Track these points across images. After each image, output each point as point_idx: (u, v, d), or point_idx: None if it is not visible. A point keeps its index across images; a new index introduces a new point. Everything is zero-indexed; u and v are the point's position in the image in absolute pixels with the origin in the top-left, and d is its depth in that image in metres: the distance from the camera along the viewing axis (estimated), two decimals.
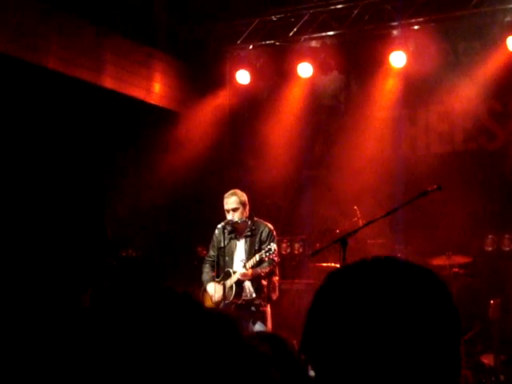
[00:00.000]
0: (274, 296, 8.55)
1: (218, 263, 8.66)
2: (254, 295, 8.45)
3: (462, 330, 1.48)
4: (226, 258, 8.53)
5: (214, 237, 8.78)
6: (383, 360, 1.37)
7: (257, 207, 9.51)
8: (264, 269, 8.37)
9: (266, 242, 8.45)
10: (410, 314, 1.40)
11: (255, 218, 8.68)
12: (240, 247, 8.62)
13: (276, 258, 8.43)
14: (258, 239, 8.52)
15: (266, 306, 8.47)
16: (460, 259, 9.97)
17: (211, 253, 8.83)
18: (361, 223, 8.89)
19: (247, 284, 8.48)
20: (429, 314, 1.42)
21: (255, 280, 8.42)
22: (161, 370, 1.01)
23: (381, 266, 1.48)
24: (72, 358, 1.07)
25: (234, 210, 8.50)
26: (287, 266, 11.26)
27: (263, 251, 8.30)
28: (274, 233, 8.63)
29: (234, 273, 8.46)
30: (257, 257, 8.32)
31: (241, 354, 1.06)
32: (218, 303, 8.45)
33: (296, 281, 10.71)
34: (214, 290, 8.52)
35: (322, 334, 1.40)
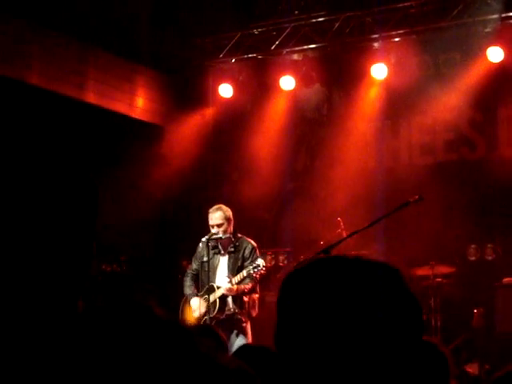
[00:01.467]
0: (254, 313, 8.58)
1: (199, 277, 8.67)
2: (236, 310, 8.46)
3: (421, 319, 1.50)
4: (209, 273, 8.54)
5: (197, 250, 8.78)
6: (345, 349, 1.39)
7: (241, 220, 9.52)
8: (247, 285, 8.41)
9: (248, 259, 8.49)
10: (363, 302, 1.43)
11: (239, 235, 8.71)
12: (223, 263, 8.63)
13: (258, 276, 8.47)
14: (240, 255, 8.54)
15: (246, 322, 8.50)
16: (443, 269, 10.04)
17: (193, 266, 8.84)
18: (344, 234, 8.91)
19: (230, 299, 8.49)
20: (381, 298, 1.44)
21: (238, 296, 8.44)
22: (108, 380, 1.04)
23: (330, 262, 1.51)
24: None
25: (219, 225, 8.51)
26: (272, 278, 11.25)
27: (251, 267, 8.32)
28: (257, 250, 8.66)
29: (218, 288, 8.46)
30: (244, 272, 8.35)
31: (194, 366, 1.08)
32: (199, 318, 8.46)
33: None
34: (197, 305, 8.53)
35: (286, 329, 1.47)
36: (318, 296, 1.44)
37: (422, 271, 10.06)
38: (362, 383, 1.40)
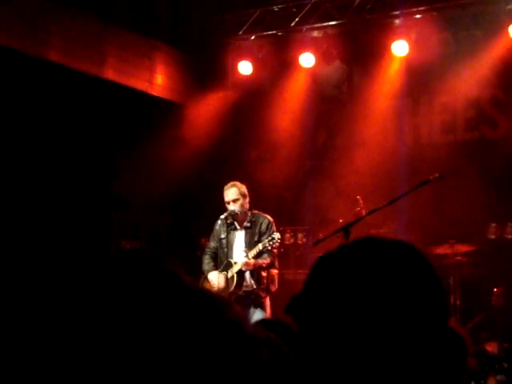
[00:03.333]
0: (273, 288, 8.58)
1: (218, 254, 8.71)
2: (254, 286, 8.49)
3: (447, 302, 1.51)
4: (226, 249, 8.57)
5: (214, 228, 8.81)
6: (372, 335, 1.39)
7: (260, 198, 9.53)
8: (265, 260, 8.42)
9: (265, 234, 8.50)
10: (393, 287, 1.43)
11: (255, 210, 8.72)
12: (240, 238, 8.65)
13: (275, 250, 8.48)
14: (257, 230, 8.56)
15: (265, 298, 8.51)
16: (463, 248, 9.99)
17: (212, 244, 8.87)
18: (364, 213, 8.89)
19: (247, 275, 8.52)
20: (410, 285, 1.45)
21: (255, 271, 8.46)
22: (138, 349, 1.03)
23: (362, 246, 1.51)
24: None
25: (235, 200, 8.54)
26: (291, 256, 11.27)
27: (266, 240, 8.34)
28: (274, 225, 8.66)
29: (235, 263, 8.49)
30: (260, 246, 8.37)
31: (223, 334, 1.07)
32: (219, 292, 8.48)
33: (299, 271, 10.71)
34: (216, 279, 8.57)
35: (313, 305, 1.46)
36: (346, 279, 1.45)
37: (441, 250, 10.02)
38: (384, 368, 1.40)
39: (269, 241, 8.32)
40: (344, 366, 1.41)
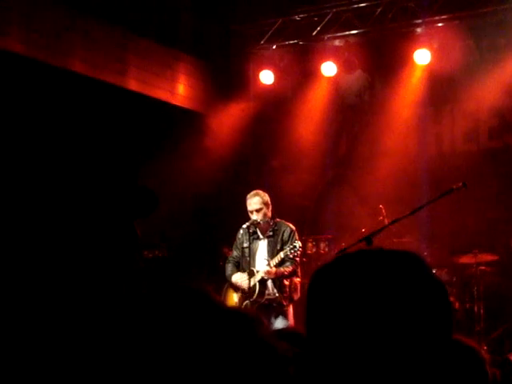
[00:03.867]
0: (296, 296, 8.56)
1: (240, 263, 8.70)
2: (276, 294, 8.47)
3: (450, 308, 1.49)
4: (248, 258, 8.56)
5: (237, 237, 8.81)
6: (378, 346, 1.38)
7: (282, 207, 9.52)
8: (287, 268, 8.41)
9: (288, 242, 8.49)
10: (389, 299, 1.41)
11: (277, 219, 8.71)
12: (262, 247, 8.64)
13: (298, 259, 8.47)
14: (280, 239, 8.55)
15: (288, 306, 8.49)
16: (487, 257, 9.93)
17: (234, 253, 8.87)
18: (386, 222, 8.86)
19: (270, 283, 8.50)
20: (409, 296, 1.43)
21: (278, 279, 8.45)
22: (174, 367, 1.03)
23: (358, 258, 1.50)
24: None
25: (258, 210, 8.53)
26: (313, 265, 11.24)
27: (288, 248, 8.33)
28: (296, 233, 8.65)
29: (257, 272, 8.49)
30: (281, 254, 8.36)
31: (256, 353, 1.06)
32: (242, 298, 8.49)
33: None
34: (240, 279, 8.56)
35: (316, 323, 1.46)
36: (344, 292, 1.44)
37: (465, 259, 9.97)
38: (389, 379, 1.39)
39: (290, 249, 8.31)
40: (347, 379, 1.40)
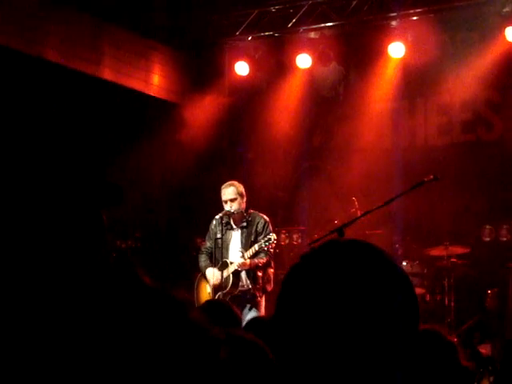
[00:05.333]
0: (269, 287, 8.59)
1: (213, 254, 8.69)
2: (250, 286, 8.49)
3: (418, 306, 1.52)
4: (221, 249, 8.57)
5: (210, 228, 8.81)
6: (341, 339, 1.41)
7: (256, 199, 9.54)
8: (261, 259, 8.43)
9: (261, 234, 8.51)
10: (359, 292, 1.44)
11: (251, 210, 8.72)
12: (236, 238, 8.66)
13: (272, 250, 8.50)
14: (254, 230, 8.56)
15: (261, 297, 8.51)
16: (458, 249, 10.02)
17: (207, 244, 8.87)
18: (359, 213, 8.91)
19: (243, 274, 8.52)
20: (377, 288, 1.46)
21: (251, 271, 8.47)
22: (101, 350, 1.04)
23: (326, 253, 1.53)
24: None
25: (232, 200, 8.54)
26: (285, 256, 11.28)
27: (262, 241, 8.35)
28: (270, 224, 8.67)
29: (231, 263, 8.50)
30: (256, 246, 8.37)
31: (186, 335, 1.08)
32: (215, 287, 8.50)
33: None
34: (212, 276, 8.57)
35: (288, 317, 1.49)
36: (315, 284, 1.47)
37: (436, 251, 10.05)
38: (360, 373, 1.41)
39: (265, 241, 8.33)
40: (317, 370, 1.42)
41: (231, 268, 8.47)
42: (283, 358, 1.46)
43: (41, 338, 1.11)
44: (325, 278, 1.46)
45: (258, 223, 8.59)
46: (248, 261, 8.39)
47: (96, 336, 1.05)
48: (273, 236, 8.40)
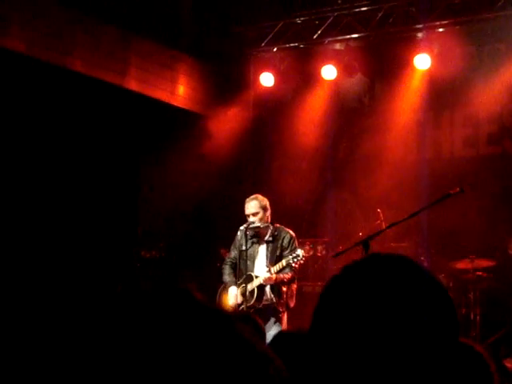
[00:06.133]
0: (292, 303, 8.55)
1: (238, 266, 8.66)
2: (274, 299, 8.45)
3: (458, 322, 1.51)
4: (248, 262, 8.52)
5: (235, 238, 8.78)
6: (382, 354, 1.40)
7: (280, 209, 9.52)
8: (286, 275, 8.38)
9: (287, 249, 8.46)
10: (401, 307, 1.43)
11: (277, 225, 8.68)
12: (261, 252, 8.61)
13: (297, 266, 8.45)
14: (279, 245, 8.52)
15: (283, 313, 8.47)
16: (483, 263, 9.94)
17: (232, 254, 8.84)
18: (384, 226, 8.87)
19: (268, 289, 8.47)
20: (418, 302, 1.45)
21: (276, 285, 8.43)
22: (149, 365, 1.04)
23: (368, 266, 1.52)
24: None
25: (254, 214, 8.49)
26: (309, 268, 11.25)
27: (290, 257, 8.28)
28: (296, 240, 8.64)
29: (256, 277, 8.46)
30: (284, 262, 8.32)
31: (234, 350, 1.07)
32: (236, 306, 8.46)
33: (318, 283, 10.70)
34: (234, 294, 8.54)
35: (327, 329, 1.47)
36: (357, 296, 1.46)
37: (461, 264, 9.98)
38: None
39: (293, 257, 8.26)
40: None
41: (256, 282, 8.43)
42: (320, 371, 1.45)
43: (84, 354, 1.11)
44: (366, 292, 1.45)
45: (283, 238, 8.55)
46: (274, 276, 8.35)
47: (147, 351, 1.05)
48: (301, 252, 8.34)
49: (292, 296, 8.57)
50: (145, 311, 1.07)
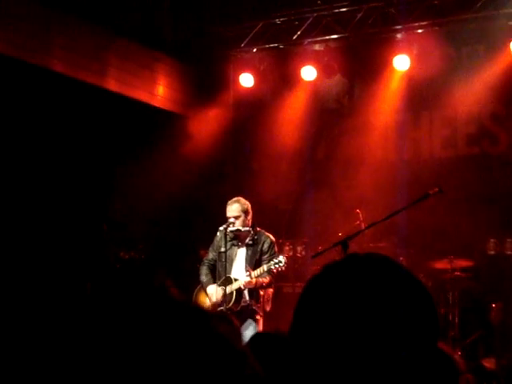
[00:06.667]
0: (268, 307, 8.57)
1: (216, 267, 8.66)
2: (251, 302, 8.45)
3: (438, 322, 1.51)
4: (225, 264, 8.50)
5: (214, 239, 8.77)
6: (360, 354, 1.40)
7: (260, 210, 9.51)
8: (265, 279, 8.39)
9: (266, 253, 8.47)
10: (380, 307, 1.43)
11: (258, 229, 8.68)
12: (240, 255, 8.61)
13: (276, 271, 8.44)
14: (259, 249, 8.52)
15: (260, 316, 8.48)
16: (462, 263, 9.99)
17: (210, 256, 8.82)
18: (363, 226, 8.89)
19: (246, 292, 8.48)
20: (399, 304, 1.45)
21: (254, 289, 8.43)
22: (125, 362, 1.03)
23: (348, 266, 1.52)
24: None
25: (236, 217, 8.49)
26: (289, 268, 11.23)
27: (272, 262, 8.29)
28: (275, 245, 8.65)
29: (235, 280, 8.44)
30: (265, 267, 8.32)
31: (212, 348, 1.07)
32: (215, 305, 8.45)
33: (298, 284, 10.70)
34: (214, 294, 8.52)
35: (308, 327, 1.47)
36: (337, 296, 1.46)
37: (440, 264, 10.02)
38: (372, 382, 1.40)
39: (275, 263, 8.27)
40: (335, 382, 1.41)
41: (235, 285, 8.42)
42: (301, 370, 1.45)
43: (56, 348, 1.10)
44: (346, 292, 1.45)
45: (263, 242, 8.55)
46: (254, 280, 8.35)
47: (120, 345, 1.04)
48: (284, 259, 8.35)
49: (268, 300, 8.59)
50: (121, 308, 1.07)
